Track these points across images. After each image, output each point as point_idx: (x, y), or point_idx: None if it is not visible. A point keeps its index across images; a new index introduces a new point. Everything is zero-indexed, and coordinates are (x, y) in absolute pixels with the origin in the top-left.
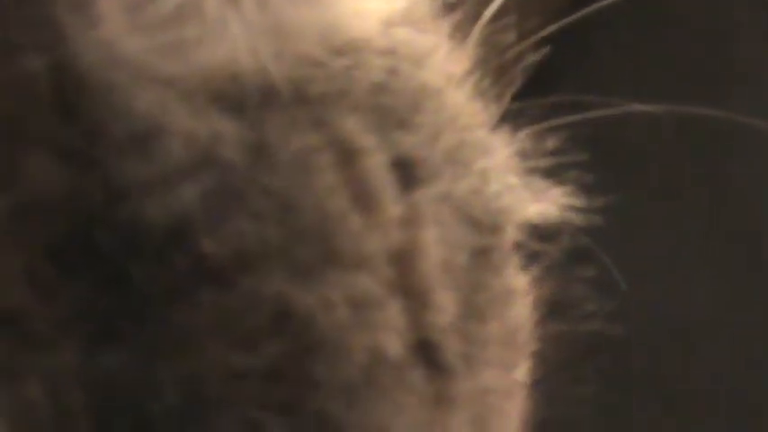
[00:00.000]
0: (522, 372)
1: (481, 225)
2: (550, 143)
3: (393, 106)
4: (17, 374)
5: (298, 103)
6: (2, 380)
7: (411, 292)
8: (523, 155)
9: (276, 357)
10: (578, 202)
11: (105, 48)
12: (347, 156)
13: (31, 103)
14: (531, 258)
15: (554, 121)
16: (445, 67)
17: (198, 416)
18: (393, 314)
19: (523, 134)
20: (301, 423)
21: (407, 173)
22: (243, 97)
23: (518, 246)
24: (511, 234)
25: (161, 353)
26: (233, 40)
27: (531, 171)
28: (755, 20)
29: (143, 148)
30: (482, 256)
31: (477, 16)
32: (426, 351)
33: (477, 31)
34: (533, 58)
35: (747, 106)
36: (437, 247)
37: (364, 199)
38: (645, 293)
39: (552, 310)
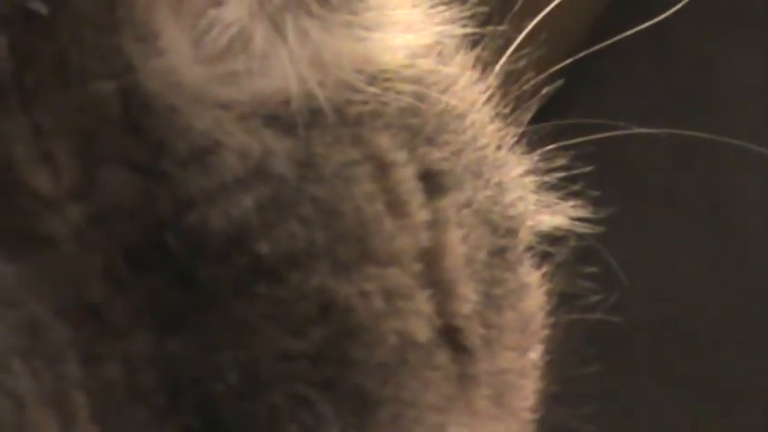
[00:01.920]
0: (535, 354)
1: (498, 229)
2: (561, 161)
3: (421, 126)
4: (98, 357)
5: (339, 123)
6: (86, 362)
7: (437, 284)
8: (536, 171)
9: (321, 341)
10: (585, 212)
11: (169, 75)
12: (381, 168)
13: (103, 123)
14: (542, 257)
15: (565, 142)
16: (468, 93)
17: (255, 393)
18: (421, 303)
19: (537, 153)
20: (342, 397)
21: (433, 183)
22: (293, 118)
23: (531, 247)
24: (524, 237)
25: (222, 339)
26: (283, 69)
27: (544, 185)
28: (741, 53)
29: (203, 161)
30: (499, 255)
31: (500, 51)
32: (451, 335)
33: (500, 64)
34: (548, 89)
35: (735, 128)
36: (460, 246)
37: (396, 205)
38: (643, 289)
39: (561, 301)
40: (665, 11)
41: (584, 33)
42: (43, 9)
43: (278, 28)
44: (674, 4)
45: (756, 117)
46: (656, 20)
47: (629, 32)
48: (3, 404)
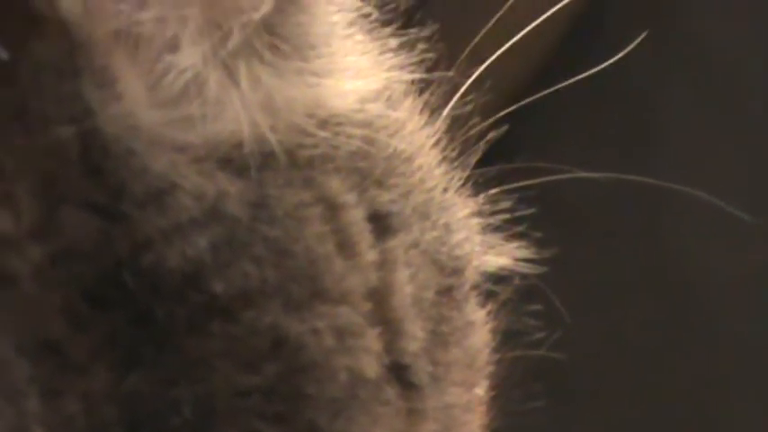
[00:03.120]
0: (481, 389)
1: (445, 268)
2: (505, 203)
3: (370, 169)
4: (58, 393)
5: (291, 166)
6: (45, 398)
7: (386, 322)
8: (482, 213)
9: (274, 377)
10: (528, 253)
11: (126, 119)
12: (332, 210)
13: (63, 166)
14: (487, 296)
15: (509, 186)
16: (416, 137)
17: (210, 427)
18: (370, 341)
19: (483, 196)
20: (295, 431)
21: (382, 225)
22: (246, 161)
23: (476, 286)
24: (470, 276)
25: (179, 375)
26: (236, 113)
27: (488, 226)
28: (681, 98)
29: (160, 202)
30: (446, 294)
31: (447, 96)
32: (399, 372)
33: (447, 109)
34: (493, 134)
35: (672, 170)
36: (408, 285)
37: (346, 246)
38: (585, 327)
39: (506, 338)
40: (605, 60)
41: (527, 80)
42: (4, 55)
43: (231, 74)
44: (614, 54)
45: (692, 159)
46: (595, 69)
47: (570, 81)
48: None
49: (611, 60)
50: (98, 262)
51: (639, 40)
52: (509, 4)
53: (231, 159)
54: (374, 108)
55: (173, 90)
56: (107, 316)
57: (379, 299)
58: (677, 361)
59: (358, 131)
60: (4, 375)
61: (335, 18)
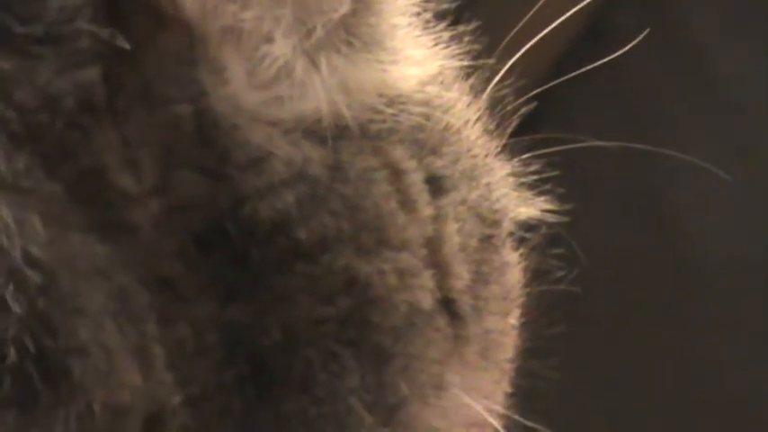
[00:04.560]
0: (514, 318)
1: (486, 220)
2: (535, 166)
3: (427, 140)
4: (172, 319)
5: (362, 137)
6: (161, 323)
7: (438, 265)
8: (515, 174)
9: (346, 309)
10: (553, 206)
11: (232, 99)
12: (395, 174)
13: (179, 137)
14: (519, 241)
15: (538, 152)
16: (463, 113)
17: (294, 348)
18: (425, 280)
19: (516, 160)
20: (363, 352)
21: (436, 186)
22: (325, 133)
23: (511, 233)
24: (506, 226)
25: (269, 306)
26: (317, 94)
27: (522, 185)
28: (679, 81)
29: (257, 167)
30: (486, 241)
31: (488, 80)
32: (448, 305)
33: (488, 91)
34: (524, 110)
35: (674, 141)
36: (456, 235)
37: (407, 203)
38: (598, 267)
39: (534, 275)
40: (618, 49)
41: (552, 67)
42: (126, 45)
43: (314, 62)
44: (625, 44)
45: (690, 131)
46: (609, 57)
47: (588, 67)
48: (97, 354)
49: (620, 52)
50: (205, 214)
51: (643, 35)
52: (537, 6)
53: (314, 131)
54: (431, 90)
55: (267, 75)
56: (212, 258)
57: (433, 246)
58: (673, 292)
59: (418, 109)
60: (128, 302)
61: (398, 19)
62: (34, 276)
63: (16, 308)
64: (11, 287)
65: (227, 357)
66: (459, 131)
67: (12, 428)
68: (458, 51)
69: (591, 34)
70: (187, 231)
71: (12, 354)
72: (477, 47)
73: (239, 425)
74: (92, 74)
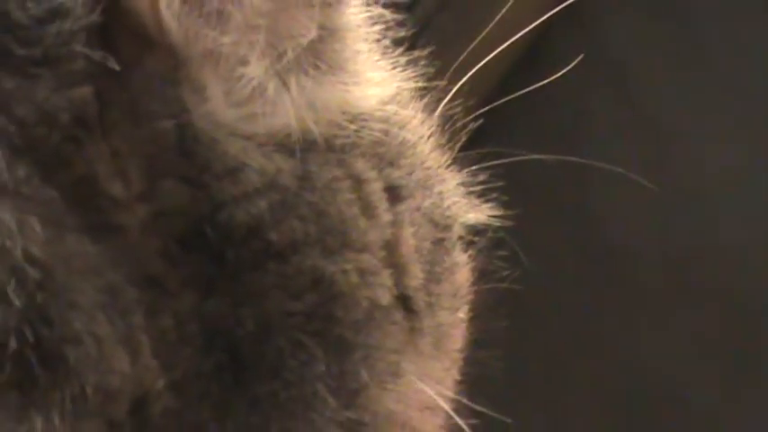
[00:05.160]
0: (463, 312)
1: (439, 225)
2: (482, 177)
3: (386, 153)
4: (157, 311)
5: (328, 150)
6: (147, 315)
7: (395, 265)
8: (464, 184)
9: (313, 304)
10: (497, 212)
11: (211, 116)
12: (358, 183)
13: (163, 149)
14: (468, 244)
15: (484, 164)
16: (418, 130)
17: (266, 338)
18: (384, 278)
19: (465, 171)
20: (328, 343)
21: (394, 194)
22: (294, 146)
23: (460, 237)
24: (456, 230)
25: (244, 300)
26: (287, 111)
27: (470, 193)
28: (606, 103)
29: (233, 176)
30: (439, 244)
31: (439, 100)
32: (404, 301)
33: (440, 109)
34: (472, 126)
35: (602, 155)
36: (412, 238)
37: (368, 209)
38: (537, 267)
39: (480, 275)
40: (555, 70)
41: (497, 87)
42: (116, 66)
43: (284, 83)
44: (562, 66)
45: (614, 144)
46: (546, 80)
47: (528, 89)
48: (89, 343)
49: (556, 75)
50: (187, 218)
51: (576, 62)
52: (482, 35)
53: (284, 145)
54: (389, 108)
55: (243, 94)
56: (192, 257)
57: (391, 248)
58: (602, 287)
59: (378, 125)
60: (118, 296)
61: (360, 45)
62: (33, 273)
63: (17, 301)
64: (12, 283)
65: (206, 346)
66: (414, 146)
67: (13, 408)
68: (413, 74)
69: (531, 58)
70: (170, 233)
71: (12, 342)
72: (430, 70)
73: (217, 406)
74: (85, 92)
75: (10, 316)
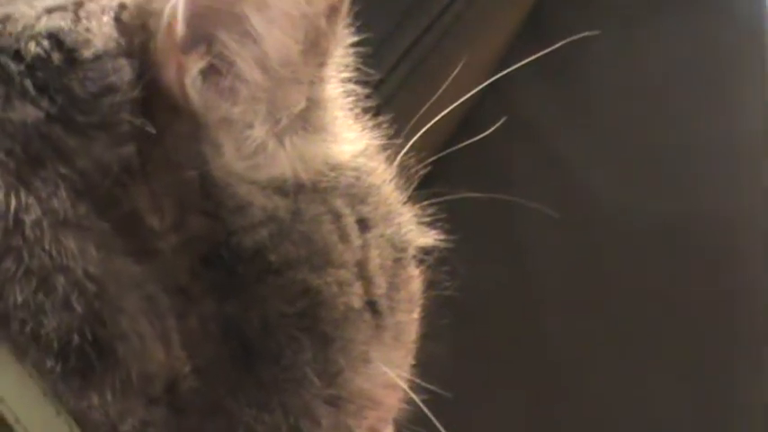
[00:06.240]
0: (416, 313)
1: (397, 247)
2: (430, 210)
3: (357, 193)
4: (185, 314)
5: (313, 191)
6: (178, 318)
7: (365, 278)
8: (417, 215)
9: (303, 307)
10: (441, 237)
11: (226, 167)
12: (336, 217)
13: (190, 192)
14: (420, 261)
15: (432, 201)
16: (382, 175)
17: (269, 332)
18: (357, 288)
19: (418, 206)
20: (315, 336)
21: (364, 225)
22: (289, 189)
23: (414, 255)
24: (411, 251)
25: (251, 304)
26: (282, 163)
27: (421, 223)
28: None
29: (242, 211)
30: (398, 261)
31: (397, 152)
32: (371, 305)
33: (398, 159)
34: (423, 170)
35: (523, 191)
36: (377, 258)
37: (344, 236)
38: (471, 280)
39: (429, 285)
40: (483, 131)
41: (441, 143)
42: (153, 130)
43: (281, 141)
44: (489, 126)
45: (531, 182)
46: (477, 137)
47: (463, 144)
48: (134, 339)
49: (484, 134)
50: (207, 242)
51: (499, 123)
52: (427, 106)
53: (280, 188)
54: (360, 160)
55: (249, 149)
56: (212, 272)
57: (362, 266)
58: (524, 294)
59: (351, 173)
60: (154, 304)
61: (338, 112)
62: (91, 286)
63: (79, 308)
64: (75, 293)
65: (223, 340)
66: (378, 188)
67: (76, 389)
68: (377, 134)
69: (467, 120)
70: (195, 254)
71: (75, 339)
72: (390, 131)
73: (231, 386)
74: (130, 149)
75: (74, 319)
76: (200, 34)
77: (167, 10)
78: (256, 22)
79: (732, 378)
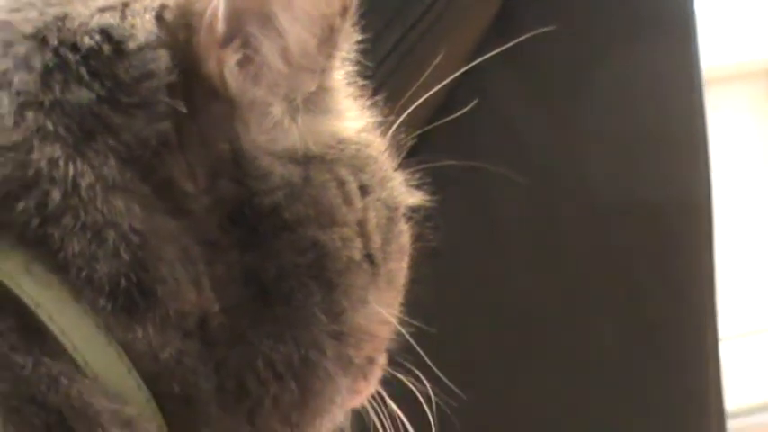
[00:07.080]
0: (405, 262)
1: (391, 207)
2: (417, 175)
3: (358, 163)
4: (213, 262)
5: (321, 161)
6: (207, 264)
7: (364, 235)
8: (407, 180)
9: (312, 258)
10: (427, 196)
11: (252, 141)
12: (341, 183)
13: (221, 162)
14: (408, 217)
15: (418, 167)
16: (378, 147)
17: (284, 278)
18: (357, 243)
19: (407, 171)
20: (322, 282)
21: (364, 190)
22: (301, 159)
23: (404, 213)
24: (402, 209)
25: (269, 255)
26: (294, 137)
27: (409, 185)
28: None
29: (264, 178)
30: (391, 219)
31: (390, 126)
32: (369, 256)
33: (390, 133)
34: (411, 142)
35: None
36: (374, 218)
37: (347, 200)
38: (451, 232)
39: (416, 238)
40: (459, 110)
41: (426, 119)
42: (184, 109)
43: (294, 118)
44: (464, 107)
45: (506, 153)
46: (452, 116)
47: (441, 121)
48: (171, 282)
49: (460, 112)
50: (233, 203)
51: (472, 104)
52: (414, 88)
53: (293, 158)
54: (361, 135)
55: (268, 126)
56: (237, 228)
57: (362, 225)
58: (494, 247)
59: (353, 146)
60: (188, 254)
61: (342, 96)
62: (135, 239)
63: (126, 256)
64: (123, 245)
65: (245, 284)
66: (375, 158)
67: (124, 323)
68: (373, 113)
69: (445, 102)
70: (223, 213)
71: (123, 282)
72: (383, 110)
73: (252, 321)
74: (166, 125)
75: (121, 266)
76: (236, 30)
77: (209, 11)
78: (283, 19)
79: (679, 329)
